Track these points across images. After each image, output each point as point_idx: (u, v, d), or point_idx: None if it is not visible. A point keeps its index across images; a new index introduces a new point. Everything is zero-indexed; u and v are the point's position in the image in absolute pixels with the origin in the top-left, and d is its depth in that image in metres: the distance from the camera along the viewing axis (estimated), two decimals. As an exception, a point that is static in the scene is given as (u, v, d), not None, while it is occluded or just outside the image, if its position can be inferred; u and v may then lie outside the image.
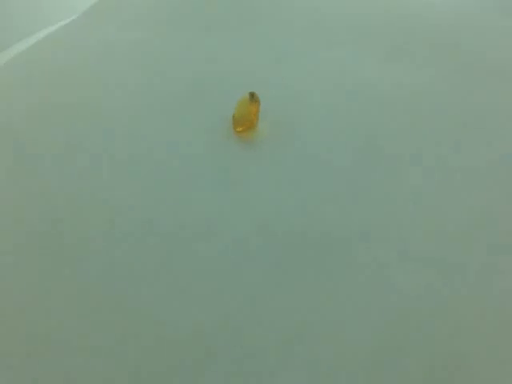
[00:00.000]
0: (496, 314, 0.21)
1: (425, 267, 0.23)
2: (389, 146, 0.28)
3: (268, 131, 0.29)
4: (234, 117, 0.30)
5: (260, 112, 0.30)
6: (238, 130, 0.29)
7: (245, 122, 0.29)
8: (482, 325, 0.21)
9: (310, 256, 0.23)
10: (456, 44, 0.33)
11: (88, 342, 0.21)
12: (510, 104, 0.30)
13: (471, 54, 0.32)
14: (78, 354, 0.20)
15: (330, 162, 0.27)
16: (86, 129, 0.30)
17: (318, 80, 0.32)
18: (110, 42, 0.36)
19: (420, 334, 0.21)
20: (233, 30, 0.36)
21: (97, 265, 0.23)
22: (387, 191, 0.26)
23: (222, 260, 0.23)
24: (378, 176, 0.26)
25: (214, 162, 0.27)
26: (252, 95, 0.29)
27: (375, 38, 0.34)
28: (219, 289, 0.22)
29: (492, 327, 0.21)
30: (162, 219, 0.24)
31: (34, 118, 0.30)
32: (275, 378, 0.20)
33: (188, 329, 0.21)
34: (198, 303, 0.21)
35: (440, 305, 0.22)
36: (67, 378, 0.19)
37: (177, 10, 0.37)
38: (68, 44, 0.36)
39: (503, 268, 0.23)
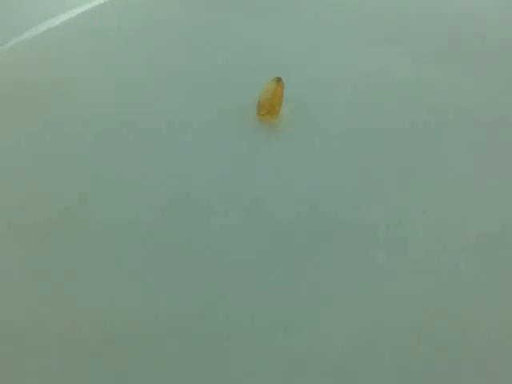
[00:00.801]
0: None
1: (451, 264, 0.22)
2: (411, 146, 0.27)
3: (291, 117, 0.28)
4: (259, 100, 0.28)
5: (284, 97, 0.28)
6: (261, 113, 0.28)
7: (268, 106, 0.28)
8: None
9: (320, 243, 0.23)
10: (506, 53, 0.32)
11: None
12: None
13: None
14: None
15: (349, 153, 0.26)
16: (110, 103, 0.30)
17: (349, 73, 0.31)
18: (143, 21, 0.36)
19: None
20: (273, 15, 0.36)
21: (128, 240, 0.23)
22: (410, 183, 0.25)
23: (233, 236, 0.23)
24: (399, 168, 0.26)
25: (232, 142, 0.27)
26: (278, 80, 0.28)
27: (418, 37, 0.33)
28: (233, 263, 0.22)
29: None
30: (179, 196, 0.25)
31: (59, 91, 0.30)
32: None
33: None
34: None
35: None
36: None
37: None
38: (99, 22, 0.36)
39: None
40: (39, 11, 0.35)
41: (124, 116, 0.29)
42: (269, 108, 0.27)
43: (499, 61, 0.32)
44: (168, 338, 0.20)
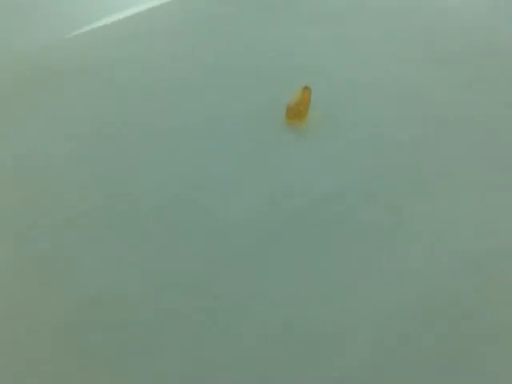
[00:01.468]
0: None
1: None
2: (429, 157, 0.28)
3: (317, 121, 0.29)
4: (287, 105, 0.30)
5: (312, 101, 0.30)
6: (289, 117, 0.29)
7: (295, 110, 0.29)
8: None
9: (325, 233, 0.24)
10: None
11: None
12: None
13: None
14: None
15: (367, 158, 0.27)
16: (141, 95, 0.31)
17: (377, 80, 0.32)
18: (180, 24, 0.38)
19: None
20: (305, 22, 0.37)
21: (161, 227, 0.24)
22: (436, 192, 0.26)
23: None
24: (411, 176, 0.27)
25: (259, 142, 0.28)
26: (306, 87, 0.29)
27: (463, 61, 0.33)
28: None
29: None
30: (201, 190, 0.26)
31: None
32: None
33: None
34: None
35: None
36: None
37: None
38: (166, 18, 0.38)
39: None
40: (102, 8, 0.37)
41: (164, 112, 0.30)
42: (296, 112, 0.29)
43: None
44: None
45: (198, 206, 0.25)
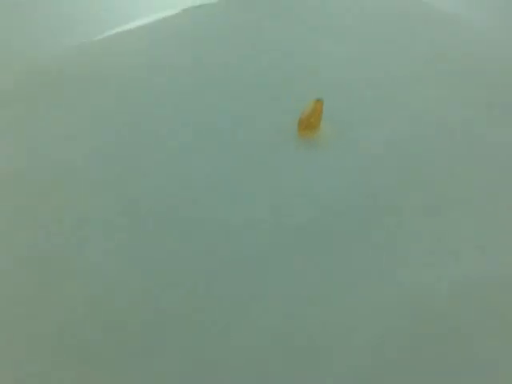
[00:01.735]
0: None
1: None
2: (440, 176, 0.27)
3: (330, 133, 0.29)
4: (300, 117, 0.30)
5: (325, 114, 0.29)
6: (301, 129, 0.29)
7: (307, 122, 0.29)
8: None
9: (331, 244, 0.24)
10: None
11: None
12: None
13: None
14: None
15: (376, 173, 0.27)
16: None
17: (398, 103, 0.31)
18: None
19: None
20: (318, 34, 0.37)
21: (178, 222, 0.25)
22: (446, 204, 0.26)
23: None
24: (421, 194, 0.26)
25: (271, 154, 0.28)
26: (318, 99, 0.29)
27: (478, 80, 0.33)
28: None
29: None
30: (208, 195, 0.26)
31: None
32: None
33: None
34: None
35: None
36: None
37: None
38: (176, 28, 0.39)
39: None
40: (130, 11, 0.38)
41: (173, 121, 0.30)
42: (307, 124, 0.29)
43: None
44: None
45: (205, 213, 0.26)
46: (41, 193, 0.27)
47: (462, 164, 0.28)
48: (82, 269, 0.23)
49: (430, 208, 0.26)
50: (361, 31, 0.37)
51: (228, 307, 0.22)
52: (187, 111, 0.31)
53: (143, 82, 0.33)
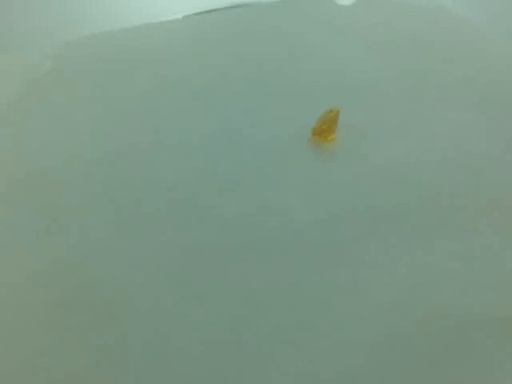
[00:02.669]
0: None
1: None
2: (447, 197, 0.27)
3: (344, 142, 0.29)
4: (314, 125, 0.29)
5: (342, 123, 0.29)
6: (315, 137, 0.29)
7: (321, 130, 0.29)
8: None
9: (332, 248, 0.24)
10: None
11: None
12: None
13: None
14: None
15: (384, 185, 0.27)
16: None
17: (413, 114, 0.31)
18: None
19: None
20: (351, 42, 0.38)
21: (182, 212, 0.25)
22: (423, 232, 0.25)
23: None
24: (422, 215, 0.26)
25: (281, 161, 0.28)
26: (334, 107, 0.29)
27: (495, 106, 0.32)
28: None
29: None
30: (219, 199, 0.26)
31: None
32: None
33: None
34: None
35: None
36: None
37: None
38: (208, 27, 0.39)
39: None
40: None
41: (185, 126, 0.30)
42: (321, 131, 0.29)
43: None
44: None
45: (214, 218, 0.25)
46: (51, 181, 0.27)
47: (470, 190, 0.27)
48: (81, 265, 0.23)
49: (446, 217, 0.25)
50: (389, 46, 0.37)
51: (233, 302, 0.22)
52: (199, 112, 0.31)
53: (155, 80, 0.34)
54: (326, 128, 0.29)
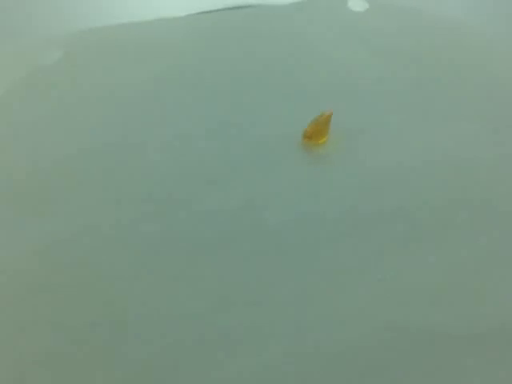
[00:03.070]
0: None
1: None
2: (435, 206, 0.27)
3: (336, 146, 0.29)
4: (305, 128, 0.29)
5: (334, 127, 0.29)
6: (305, 140, 0.29)
7: (312, 133, 0.29)
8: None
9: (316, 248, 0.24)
10: None
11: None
12: None
13: None
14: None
15: (374, 190, 0.27)
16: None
17: (407, 117, 0.31)
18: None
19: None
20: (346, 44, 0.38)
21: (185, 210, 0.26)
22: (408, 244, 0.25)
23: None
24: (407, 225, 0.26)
25: (274, 164, 0.28)
26: (327, 111, 0.29)
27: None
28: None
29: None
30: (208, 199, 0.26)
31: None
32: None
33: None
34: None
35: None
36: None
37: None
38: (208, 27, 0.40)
39: None
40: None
41: (177, 125, 0.30)
42: (311, 135, 0.29)
43: None
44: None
45: (194, 211, 0.26)
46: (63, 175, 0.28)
47: (454, 204, 0.27)
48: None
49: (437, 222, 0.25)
50: (395, 54, 0.37)
51: (200, 296, 0.22)
52: (200, 107, 0.32)
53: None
54: (316, 131, 0.29)
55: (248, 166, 0.28)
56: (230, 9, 0.41)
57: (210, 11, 0.40)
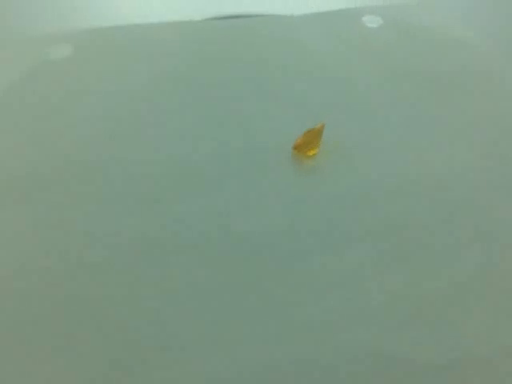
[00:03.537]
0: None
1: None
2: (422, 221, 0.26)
3: (327, 157, 0.29)
4: (296, 139, 0.29)
5: (325, 138, 0.29)
6: (294, 150, 0.29)
7: (303, 145, 0.29)
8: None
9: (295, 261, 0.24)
10: None
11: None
12: None
13: None
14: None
15: (363, 204, 0.27)
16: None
17: (400, 133, 0.31)
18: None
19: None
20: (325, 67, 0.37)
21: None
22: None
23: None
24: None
25: (260, 175, 0.28)
26: (319, 123, 0.29)
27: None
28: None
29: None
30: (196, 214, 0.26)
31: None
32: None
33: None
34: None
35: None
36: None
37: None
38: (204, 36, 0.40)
39: None
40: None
41: (169, 137, 0.31)
42: (300, 147, 0.29)
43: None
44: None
45: (168, 213, 0.26)
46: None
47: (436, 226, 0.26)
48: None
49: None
50: (401, 72, 0.36)
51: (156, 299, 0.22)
52: (195, 109, 0.32)
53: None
54: (306, 143, 0.29)
55: (233, 173, 0.28)
56: (244, 16, 0.42)
57: (223, 17, 0.41)
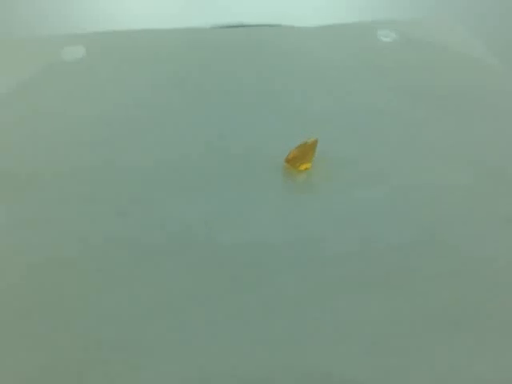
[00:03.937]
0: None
1: None
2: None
3: (320, 172, 0.28)
4: (289, 153, 0.29)
5: (319, 153, 0.29)
6: (286, 164, 0.29)
7: (296, 159, 0.29)
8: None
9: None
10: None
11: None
12: None
13: None
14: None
15: (353, 219, 0.26)
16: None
17: (394, 147, 0.30)
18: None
19: None
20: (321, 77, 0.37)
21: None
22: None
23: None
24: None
25: (257, 189, 0.28)
26: (312, 138, 0.29)
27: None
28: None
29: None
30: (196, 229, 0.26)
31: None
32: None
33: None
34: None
35: None
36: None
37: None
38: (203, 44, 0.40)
39: None
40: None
41: (159, 145, 0.31)
42: (292, 161, 0.28)
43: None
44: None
45: (156, 219, 0.26)
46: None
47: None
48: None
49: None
50: (409, 90, 0.36)
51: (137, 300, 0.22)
52: (194, 115, 0.33)
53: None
54: (298, 156, 0.28)
55: (224, 182, 0.28)
56: (256, 26, 0.42)
57: (233, 26, 0.41)
